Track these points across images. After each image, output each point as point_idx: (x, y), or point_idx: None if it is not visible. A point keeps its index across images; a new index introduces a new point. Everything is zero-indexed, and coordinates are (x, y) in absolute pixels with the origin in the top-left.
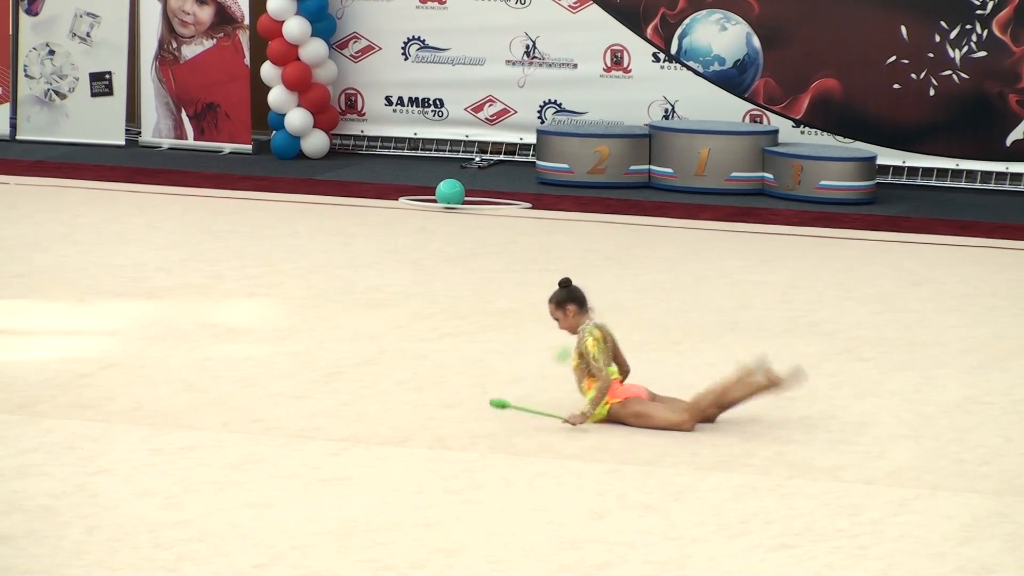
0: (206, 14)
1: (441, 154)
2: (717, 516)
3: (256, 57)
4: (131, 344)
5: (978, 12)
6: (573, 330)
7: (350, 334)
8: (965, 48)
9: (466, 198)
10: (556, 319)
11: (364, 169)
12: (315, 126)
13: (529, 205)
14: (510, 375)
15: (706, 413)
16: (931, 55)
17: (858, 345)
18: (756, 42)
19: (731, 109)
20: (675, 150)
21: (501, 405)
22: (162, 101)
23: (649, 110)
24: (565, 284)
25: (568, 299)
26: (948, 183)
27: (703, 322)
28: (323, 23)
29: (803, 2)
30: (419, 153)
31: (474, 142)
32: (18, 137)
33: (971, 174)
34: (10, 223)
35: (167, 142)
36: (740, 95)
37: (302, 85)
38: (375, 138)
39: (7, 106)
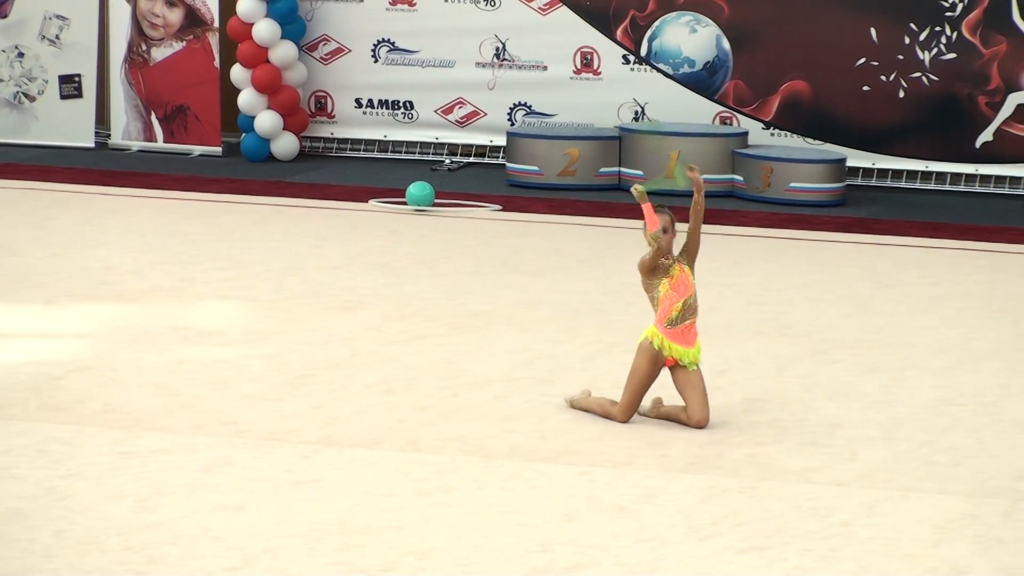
0: (176, 16)
1: (411, 156)
2: (688, 518)
3: (226, 59)
4: (103, 347)
5: (947, 14)
6: (671, 249)
7: (321, 337)
8: (935, 50)
9: (436, 200)
10: (665, 232)
11: (334, 171)
12: (285, 128)
13: (499, 207)
14: (481, 377)
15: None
16: (901, 57)
17: (829, 347)
18: (726, 44)
19: (701, 111)
20: (645, 152)
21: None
22: (132, 103)
23: (619, 112)
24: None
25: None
26: (918, 185)
27: None
28: (293, 25)
29: (773, 4)
30: (389, 155)
31: (444, 144)
32: None
33: (941, 176)
34: None
35: (137, 144)
36: (710, 97)
37: (272, 87)
38: (345, 140)
39: None
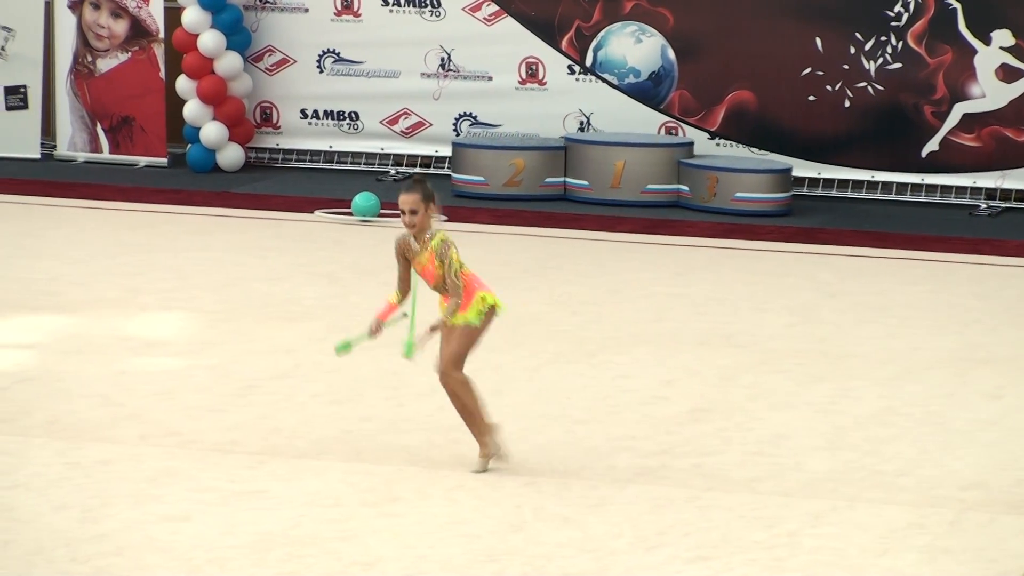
0: (121, 28)
1: (356, 167)
2: (634, 528)
3: (171, 70)
4: (47, 358)
5: (893, 24)
6: (422, 230)
7: (266, 347)
8: (880, 60)
9: (381, 211)
10: (412, 213)
11: (279, 182)
12: (230, 139)
13: (444, 218)
14: (426, 388)
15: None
16: (846, 67)
17: (774, 357)
18: (671, 54)
19: (646, 121)
20: (590, 162)
21: (346, 346)
22: (77, 115)
23: (564, 122)
24: (421, 179)
25: (431, 194)
26: (863, 195)
27: (618, 334)
28: (238, 36)
29: (718, 14)
30: (334, 166)
31: (389, 155)
32: None
33: (886, 186)
34: None
35: (83, 156)
36: (655, 107)
37: (217, 98)
38: (290, 151)
39: None
